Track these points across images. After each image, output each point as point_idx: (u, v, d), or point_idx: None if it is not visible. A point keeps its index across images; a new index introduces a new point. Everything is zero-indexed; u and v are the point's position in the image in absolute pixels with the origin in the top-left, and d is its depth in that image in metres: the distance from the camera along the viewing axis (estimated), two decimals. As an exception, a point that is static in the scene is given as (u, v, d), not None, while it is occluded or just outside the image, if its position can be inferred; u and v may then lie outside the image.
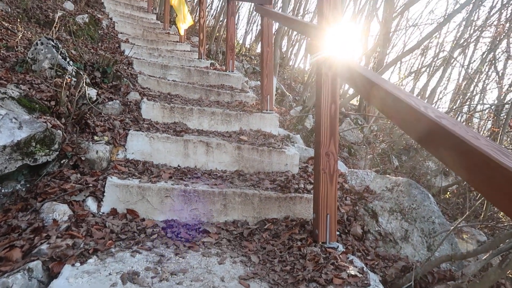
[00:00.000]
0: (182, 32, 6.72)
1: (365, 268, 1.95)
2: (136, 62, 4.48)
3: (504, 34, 7.74)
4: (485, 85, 9.73)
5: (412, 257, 2.43)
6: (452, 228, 2.19)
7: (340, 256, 2.06)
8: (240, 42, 12.82)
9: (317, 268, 1.91)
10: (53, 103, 2.58)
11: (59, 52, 3.02)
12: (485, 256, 2.10)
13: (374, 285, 1.83)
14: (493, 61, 9.07)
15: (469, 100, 9.70)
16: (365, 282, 1.84)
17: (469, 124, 9.18)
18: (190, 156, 2.90)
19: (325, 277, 1.84)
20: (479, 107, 9.34)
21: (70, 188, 2.24)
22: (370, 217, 2.65)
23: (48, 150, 2.35)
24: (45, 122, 2.35)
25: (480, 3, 6.55)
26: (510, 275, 2.14)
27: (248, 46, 12.02)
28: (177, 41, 6.84)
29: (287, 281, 1.79)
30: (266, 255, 2.05)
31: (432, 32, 5.38)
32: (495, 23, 8.81)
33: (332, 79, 2.20)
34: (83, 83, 2.66)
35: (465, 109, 9.60)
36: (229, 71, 5.00)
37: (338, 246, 2.17)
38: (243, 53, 10.16)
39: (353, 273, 1.88)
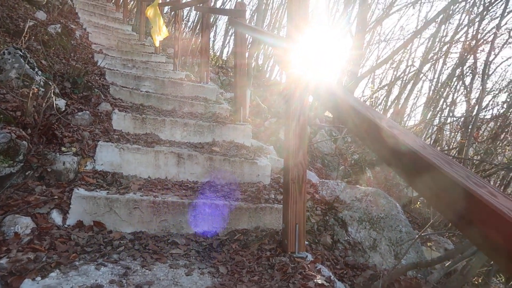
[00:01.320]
0: (157, 44, 6.71)
1: (332, 277, 1.98)
2: (108, 73, 4.44)
3: (470, 51, 8.07)
4: (454, 99, 10.09)
5: (380, 266, 2.47)
6: (417, 236, 2.25)
7: (309, 265, 2.07)
8: (218, 54, 12.88)
9: (285, 277, 1.92)
10: (19, 113, 2.52)
11: (27, 62, 2.97)
12: (448, 263, 2.16)
13: (340, 294, 1.85)
14: (461, 76, 9.43)
15: (439, 113, 10.03)
16: (332, 291, 1.86)
17: (439, 136, 9.48)
18: (161, 167, 2.88)
19: (292, 286, 1.85)
20: (449, 120, 9.67)
21: (34, 200, 2.18)
22: (339, 227, 2.69)
23: (12, 162, 2.29)
24: (10, 132, 2.29)
25: (446, 20, 6.83)
26: (473, 282, 2.21)
27: (225, 58, 12.09)
28: (152, 53, 6.82)
29: (254, 292, 1.79)
30: (235, 266, 2.04)
31: (401, 46, 5.57)
32: (462, 39, 9.19)
33: (300, 93, 2.25)
34: (50, 93, 2.62)
35: (436, 121, 9.91)
36: (203, 83, 5.01)
37: (307, 256, 2.18)
38: (220, 65, 10.20)
39: (320, 282, 1.89)
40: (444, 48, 9.23)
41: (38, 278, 1.67)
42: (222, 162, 3.02)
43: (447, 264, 2.15)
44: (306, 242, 2.32)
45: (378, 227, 2.62)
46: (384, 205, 2.73)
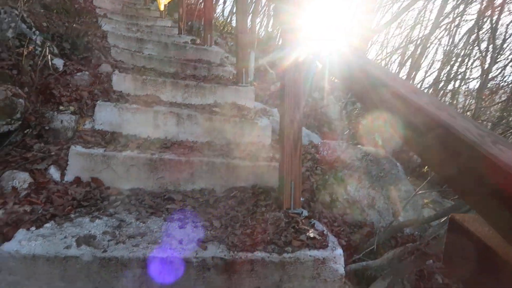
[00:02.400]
0: (162, 8, 6.58)
1: (325, 231, 1.97)
2: (110, 36, 4.39)
3: (484, 12, 7.70)
4: (469, 65, 9.74)
5: (377, 223, 2.46)
6: (413, 194, 2.22)
7: (303, 220, 2.07)
8: (228, 20, 12.61)
9: (277, 231, 1.93)
10: (15, 72, 2.52)
11: (24, 21, 2.93)
12: (444, 219, 2.13)
13: (332, 247, 1.85)
14: (477, 41, 9.05)
15: (454, 79, 9.72)
16: (324, 244, 1.86)
17: (454, 102, 9.23)
18: (160, 127, 2.87)
19: (284, 239, 1.86)
20: (463, 86, 9.38)
21: (32, 157, 2.21)
22: (339, 186, 2.67)
23: (9, 119, 2.31)
24: (5, 90, 2.29)
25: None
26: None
27: (234, 25, 11.85)
28: (157, 17, 6.70)
29: (245, 243, 1.80)
30: (229, 220, 2.05)
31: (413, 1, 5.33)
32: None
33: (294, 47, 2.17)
34: (45, 51, 2.60)
35: (450, 87, 9.63)
36: (207, 46, 4.92)
37: (302, 212, 2.18)
38: (228, 30, 10.01)
39: (312, 236, 1.89)
40: (459, 10, 8.84)
41: (33, 228, 1.71)
42: (222, 122, 2.99)
43: (443, 220, 2.13)
44: (302, 199, 2.31)
45: (377, 186, 2.59)
46: (384, 164, 2.69)
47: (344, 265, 1.85)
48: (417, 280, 2.47)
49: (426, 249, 2.05)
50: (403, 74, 9.55)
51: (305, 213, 2.19)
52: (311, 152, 3.06)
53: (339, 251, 1.84)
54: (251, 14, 5.02)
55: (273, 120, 3.52)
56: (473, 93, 7.03)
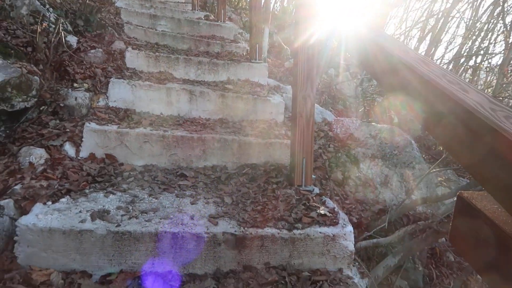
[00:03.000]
0: (175, -17, 6.47)
1: (336, 209, 1.97)
2: (123, 12, 4.37)
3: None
4: (492, 40, 9.37)
5: (390, 201, 2.45)
6: (427, 172, 2.19)
7: (314, 198, 2.07)
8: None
9: (288, 208, 1.94)
10: (30, 49, 2.54)
11: (37, -2, 2.94)
12: (458, 198, 2.10)
13: (343, 224, 1.86)
14: (501, 14, 8.66)
15: (476, 54, 9.39)
16: (334, 221, 1.86)
17: (475, 79, 8.95)
18: (173, 104, 2.88)
19: (294, 216, 1.87)
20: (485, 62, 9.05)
21: (48, 133, 2.25)
22: (351, 164, 2.65)
23: (25, 96, 2.34)
24: (20, 67, 2.32)
25: None
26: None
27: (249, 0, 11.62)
28: (171, -7, 6.61)
29: (256, 220, 1.82)
30: (240, 197, 2.07)
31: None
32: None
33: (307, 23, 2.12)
34: (59, 28, 2.60)
35: (471, 62, 9.31)
36: (221, 22, 4.86)
37: (313, 189, 2.18)
38: (243, 6, 9.84)
39: (322, 213, 1.90)
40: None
41: (49, 203, 1.76)
42: (235, 99, 2.98)
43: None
44: (314, 177, 2.31)
45: (390, 164, 2.56)
46: (399, 142, 2.65)
47: (354, 242, 1.86)
48: (429, 258, 2.47)
49: (438, 227, 2.03)
50: (422, 49, 9.27)
51: (316, 190, 2.19)
52: (324, 129, 3.04)
53: (349, 228, 1.84)
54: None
55: (286, 97, 3.49)
56: (495, 69, 6.79)
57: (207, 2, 7.77)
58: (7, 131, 2.34)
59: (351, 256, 1.83)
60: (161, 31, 4.26)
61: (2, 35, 2.49)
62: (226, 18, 4.93)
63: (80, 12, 3.33)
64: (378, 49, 1.08)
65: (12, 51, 2.45)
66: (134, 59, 3.26)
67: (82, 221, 1.64)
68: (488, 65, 7.80)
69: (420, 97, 0.75)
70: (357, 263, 2.01)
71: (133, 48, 3.38)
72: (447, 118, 0.64)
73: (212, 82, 3.39)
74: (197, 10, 5.69)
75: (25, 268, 1.56)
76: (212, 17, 5.81)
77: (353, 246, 1.83)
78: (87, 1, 3.77)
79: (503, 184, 0.53)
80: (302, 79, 2.15)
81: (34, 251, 1.58)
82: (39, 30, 2.50)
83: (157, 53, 3.38)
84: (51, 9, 3.10)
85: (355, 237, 1.88)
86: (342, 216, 1.93)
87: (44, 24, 2.60)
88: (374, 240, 2.19)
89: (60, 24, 2.65)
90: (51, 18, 2.98)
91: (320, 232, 1.79)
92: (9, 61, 2.35)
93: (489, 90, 7.37)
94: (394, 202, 2.43)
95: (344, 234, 1.81)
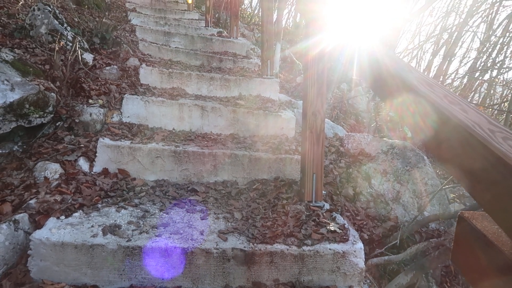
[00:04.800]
0: (189, 1, 6.64)
1: (346, 225, 1.96)
2: (138, 29, 4.48)
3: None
4: (507, 54, 9.27)
5: (402, 218, 2.42)
6: (439, 188, 2.16)
7: (324, 214, 2.07)
8: (255, 12, 12.56)
9: (298, 224, 1.93)
10: (47, 66, 2.62)
11: (56, 18, 3.04)
12: (472, 215, 2.07)
13: (353, 240, 1.84)
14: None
15: (491, 68, 9.28)
16: (344, 237, 1.85)
17: (491, 92, 8.84)
18: (185, 120, 2.93)
19: (304, 232, 1.86)
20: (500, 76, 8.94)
21: (63, 149, 2.31)
22: (363, 179, 2.64)
23: (42, 112, 2.41)
24: (38, 84, 2.39)
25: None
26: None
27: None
28: (185, 10, 6.78)
29: (265, 235, 1.82)
30: (250, 212, 2.07)
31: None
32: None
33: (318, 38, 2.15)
34: (75, 46, 2.69)
35: (487, 76, 9.20)
36: (233, 38, 4.94)
37: (324, 205, 2.17)
38: (255, 22, 9.98)
39: (332, 229, 1.89)
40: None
41: (62, 217, 1.80)
42: (246, 114, 3.01)
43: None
44: (324, 192, 2.30)
45: (402, 180, 2.54)
46: (411, 157, 2.62)
47: (365, 259, 1.84)
48: (443, 276, 2.42)
49: (451, 245, 1.99)
50: (436, 63, 9.22)
51: (327, 206, 2.18)
52: (335, 144, 3.03)
53: (360, 245, 1.83)
54: (277, 2, 4.97)
55: (297, 112, 3.51)
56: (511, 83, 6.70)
57: (220, 18, 7.91)
58: (24, 146, 2.41)
59: (361, 274, 1.81)
60: (175, 47, 4.34)
61: (22, 53, 2.58)
62: (239, 34, 5.01)
63: (96, 30, 3.43)
64: (386, 68, 1.09)
65: (31, 69, 2.54)
66: (148, 75, 3.33)
67: (94, 236, 1.67)
68: (504, 79, 7.71)
69: (424, 117, 0.76)
70: (368, 281, 1.98)
71: (147, 65, 3.46)
72: (447, 140, 0.64)
73: (224, 98, 3.43)
74: (210, 27, 5.80)
75: (38, 282, 1.58)
76: (225, 33, 5.91)
77: (363, 263, 1.81)
78: (104, 20, 3.89)
79: (502, 206, 0.53)
80: (312, 94, 2.17)
81: (47, 265, 1.60)
82: (56, 48, 2.58)
83: (170, 70, 3.44)
84: (68, 28, 3.20)
85: (366, 254, 1.87)
86: (353, 232, 1.91)
87: (62, 42, 2.69)
88: (386, 257, 2.16)
89: (77, 43, 2.73)
90: (69, 37, 3.08)
91: (330, 249, 1.78)
92: (27, 79, 2.43)
93: (506, 104, 7.27)
94: (406, 219, 2.40)
95: (355, 251, 1.80)
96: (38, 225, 1.77)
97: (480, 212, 0.66)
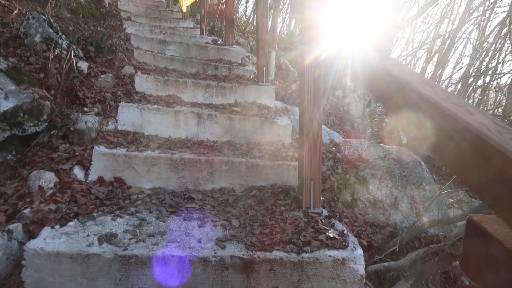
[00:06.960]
0: (184, 9, 6.66)
1: (345, 231, 1.94)
2: (134, 38, 4.47)
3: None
4: (500, 60, 9.37)
5: (400, 224, 2.41)
6: (437, 194, 2.16)
7: (322, 220, 2.05)
8: (250, 20, 12.64)
9: (296, 231, 1.91)
10: (42, 75, 2.60)
11: (50, 26, 3.03)
12: (470, 219, 2.06)
13: (352, 247, 1.82)
14: (509, 35, 8.68)
15: (484, 74, 9.37)
16: (343, 244, 1.83)
17: (484, 98, 8.91)
18: (181, 127, 2.91)
19: (303, 239, 1.84)
20: (493, 81, 9.03)
21: (57, 157, 2.28)
22: (360, 185, 2.63)
23: (36, 121, 2.39)
24: (32, 93, 2.37)
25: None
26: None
27: (256, 24, 11.85)
28: (180, 18, 6.79)
29: (264, 243, 1.79)
30: (248, 220, 2.05)
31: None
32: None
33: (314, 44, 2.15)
34: (70, 54, 2.67)
35: (480, 82, 9.28)
36: (228, 45, 4.95)
37: (322, 212, 2.15)
38: (250, 30, 10.03)
39: (331, 236, 1.87)
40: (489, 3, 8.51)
41: (57, 226, 1.76)
42: (242, 121, 3.00)
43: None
44: (322, 199, 2.28)
45: (400, 185, 2.53)
46: (408, 163, 2.62)
47: (364, 266, 1.82)
48: (443, 282, 2.40)
49: (451, 250, 1.98)
50: (429, 70, 9.29)
51: (325, 212, 2.16)
52: (332, 151, 3.03)
53: (359, 251, 1.81)
54: (272, 10, 5.00)
55: (293, 119, 3.50)
56: (505, 88, 6.77)
57: (215, 27, 7.94)
58: (18, 155, 2.38)
59: (362, 281, 1.79)
60: (170, 55, 4.34)
61: (16, 62, 2.56)
62: (234, 42, 5.02)
63: (91, 38, 3.42)
64: (385, 72, 1.08)
65: (25, 77, 2.52)
66: (143, 83, 3.32)
67: (90, 245, 1.64)
68: (497, 84, 7.78)
69: (427, 120, 0.75)
70: (368, 288, 1.96)
71: (142, 73, 3.45)
72: (454, 141, 0.63)
73: (219, 105, 3.42)
74: (205, 35, 5.81)
75: (32, 293, 1.55)
76: (220, 41, 5.92)
77: (363, 270, 1.79)
78: (99, 28, 3.88)
79: (509, 205, 0.52)
80: (309, 101, 2.16)
81: (41, 275, 1.57)
82: (51, 56, 2.57)
83: (165, 77, 3.44)
84: (63, 36, 3.19)
85: (365, 260, 1.84)
86: (352, 239, 1.90)
87: (56, 51, 2.67)
88: (385, 264, 2.14)
89: (72, 51, 2.72)
90: (63, 45, 3.06)
91: (330, 256, 1.76)
92: (21, 87, 2.41)
93: (499, 109, 7.34)
94: (405, 225, 2.39)
95: (354, 258, 1.78)
96: (32, 235, 1.73)
97: (490, 215, 0.65)
